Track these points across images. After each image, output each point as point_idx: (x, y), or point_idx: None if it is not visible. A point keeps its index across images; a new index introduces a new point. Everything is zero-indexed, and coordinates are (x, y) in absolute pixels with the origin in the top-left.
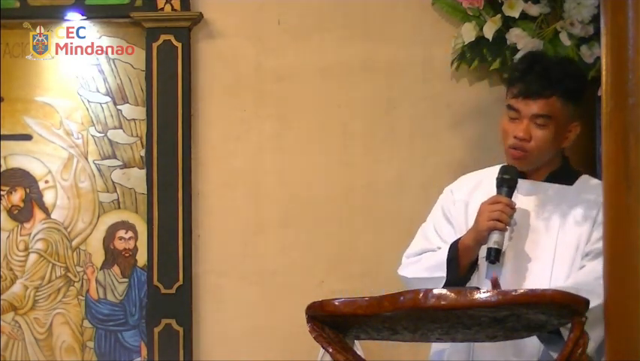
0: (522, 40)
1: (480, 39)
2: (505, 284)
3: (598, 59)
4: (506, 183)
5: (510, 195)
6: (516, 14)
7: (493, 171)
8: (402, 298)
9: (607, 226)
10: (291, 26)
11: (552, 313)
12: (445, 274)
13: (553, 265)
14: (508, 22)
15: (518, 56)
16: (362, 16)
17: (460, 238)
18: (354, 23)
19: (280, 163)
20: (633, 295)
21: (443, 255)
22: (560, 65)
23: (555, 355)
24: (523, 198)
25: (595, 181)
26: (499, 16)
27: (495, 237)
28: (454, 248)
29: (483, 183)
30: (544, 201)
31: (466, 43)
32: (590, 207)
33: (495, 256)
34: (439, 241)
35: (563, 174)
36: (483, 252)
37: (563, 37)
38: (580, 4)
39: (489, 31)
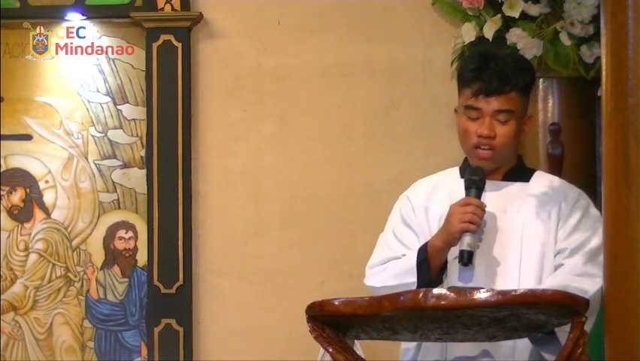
0: (522, 41)
1: (480, 39)
2: (477, 286)
3: (598, 59)
4: (475, 185)
5: (479, 196)
6: (516, 14)
7: (447, 174)
8: (402, 298)
9: (607, 226)
10: (291, 26)
11: (552, 313)
12: (415, 279)
13: (521, 264)
14: (508, 22)
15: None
16: (362, 16)
17: (428, 242)
18: (354, 23)
19: (280, 163)
20: (633, 295)
21: (411, 260)
22: (512, 58)
23: (547, 356)
24: (485, 198)
25: (549, 176)
26: (499, 16)
27: (467, 239)
28: (423, 251)
29: (439, 186)
30: (506, 200)
31: (466, 43)
32: (549, 203)
33: (468, 258)
34: (403, 249)
35: (520, 172)
36: (452, 254)
37: (563, 37)
38: (580, 4)
39: (489, 31)
